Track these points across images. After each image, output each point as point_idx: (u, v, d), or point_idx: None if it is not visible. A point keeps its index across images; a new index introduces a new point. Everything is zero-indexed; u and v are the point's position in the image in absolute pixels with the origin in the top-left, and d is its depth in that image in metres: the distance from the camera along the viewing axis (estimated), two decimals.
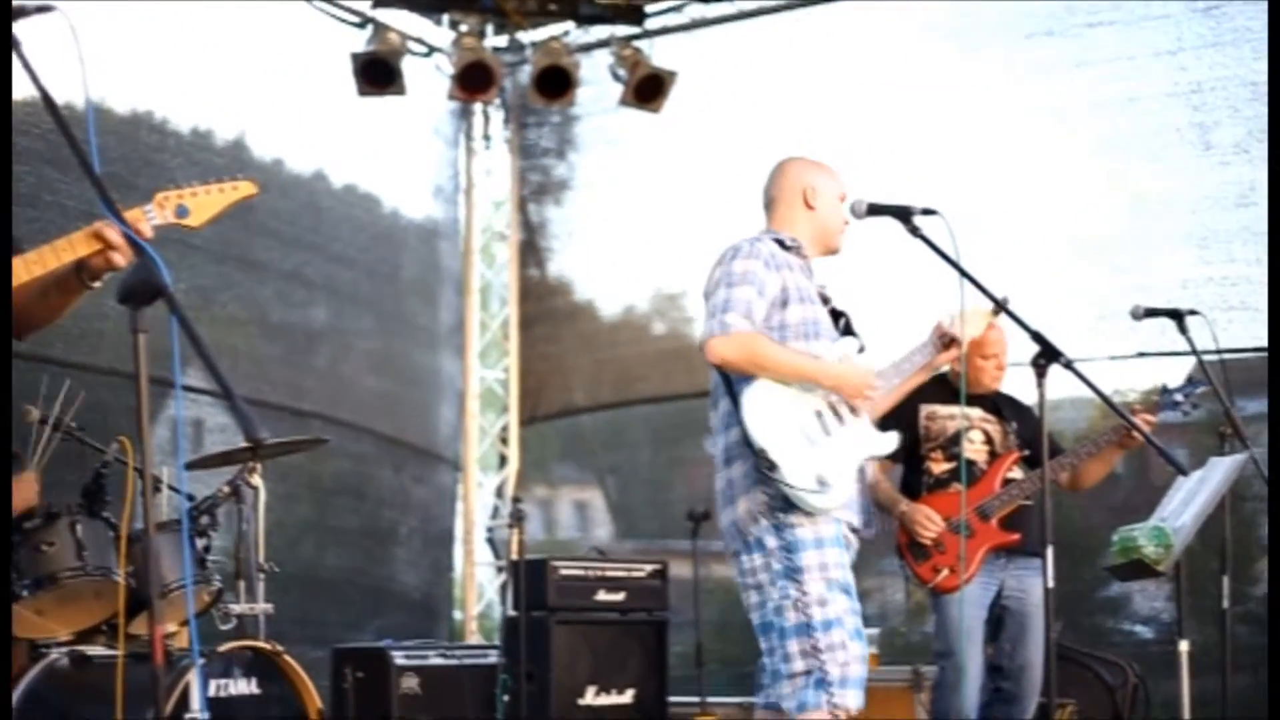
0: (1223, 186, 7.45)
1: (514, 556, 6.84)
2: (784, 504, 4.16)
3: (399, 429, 9.21)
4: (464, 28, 9.04)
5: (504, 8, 8.96)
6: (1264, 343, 6.69)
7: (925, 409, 5.68)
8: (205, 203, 3.52)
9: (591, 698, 6.93)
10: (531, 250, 9.94)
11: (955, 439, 5.66)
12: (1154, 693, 6.48)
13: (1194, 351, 5.27)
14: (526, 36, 9.41)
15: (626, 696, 7.04)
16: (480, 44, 9.04)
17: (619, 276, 9.78)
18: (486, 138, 9.87)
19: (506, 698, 6.60)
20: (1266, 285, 6.72)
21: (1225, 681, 5.46)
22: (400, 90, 8.70)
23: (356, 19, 8.76)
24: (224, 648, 4.91)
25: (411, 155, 9.41)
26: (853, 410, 4.32)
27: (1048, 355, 4.18)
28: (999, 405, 5.80)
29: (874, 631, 6.50)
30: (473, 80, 8.90)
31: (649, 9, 9.08)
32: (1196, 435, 6.85)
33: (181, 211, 3.47)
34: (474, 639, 9.33)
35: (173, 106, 7.46)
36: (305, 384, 8.37)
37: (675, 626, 7.34)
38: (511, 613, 6.88)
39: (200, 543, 5.12)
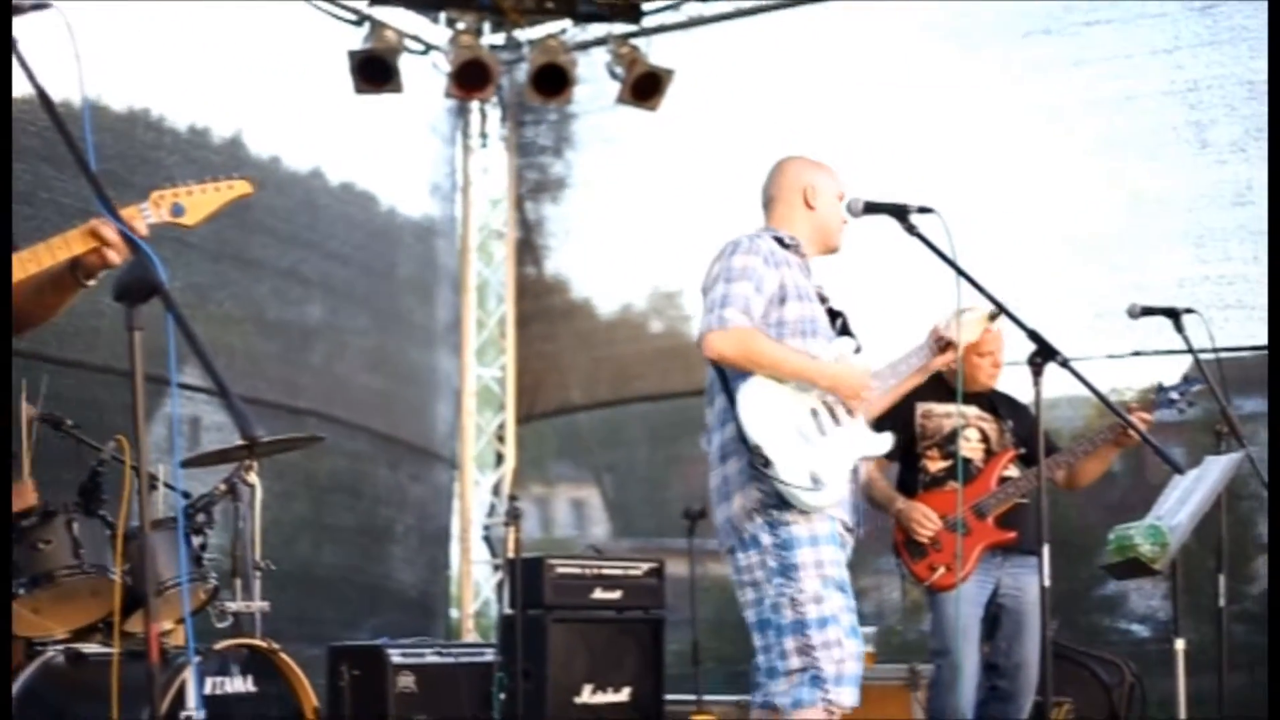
0: (1219, 185, 7.45)
1: (510, 554, 6.84)
2: (779, 501, 4.16)
3: (395, 427, 9.19)
4: (461, 25, 9.04)
5: (501, 6, 8.95)
6: (1261, 341, 6.69)
7: (921, 407, 5.67)
8: (201, 201, 3.53)
9: (588, 696, 6.93)
10: (528, 248, 9.93)
11: (951, 437, 5.66)
12: (1150, 691, 6.48)
13: (1190, 350, 5.27)
14: (524, 34, 9.40)
15: (623, 694, 7.04)
16: (477, 42, 9.03)
17: (616, 274, 9.77)
18: (483, 135, 9.85)
19: (503, 696, 6.60)
20: (1264, 284, 6.72)
21: (1221, 680, 5.46)
22: (397, 88, 8.69)
23: (353, 17, 8.75)
24: (220, 645, 4.89)
25: (408, 153, 9.39)
26: (848, 410, 4.33)
27: (1044, 354, 4.18)
28: (995, 403, 5.79)
29: (870, 630, 6.52)
30: (470, 78, 8.89)
31: (646, 7, 9.06)
32: (1193, 434, 6.85)
33: (177, 210, 3.48)
34: (470, 637, 9.33)
35: (169, 104, 7.46)
36: (301, 382, 8.37)
37: (672, 625, 7.34)
38: (508, 611, 6.88)
39: (196, 540, 5.10)
